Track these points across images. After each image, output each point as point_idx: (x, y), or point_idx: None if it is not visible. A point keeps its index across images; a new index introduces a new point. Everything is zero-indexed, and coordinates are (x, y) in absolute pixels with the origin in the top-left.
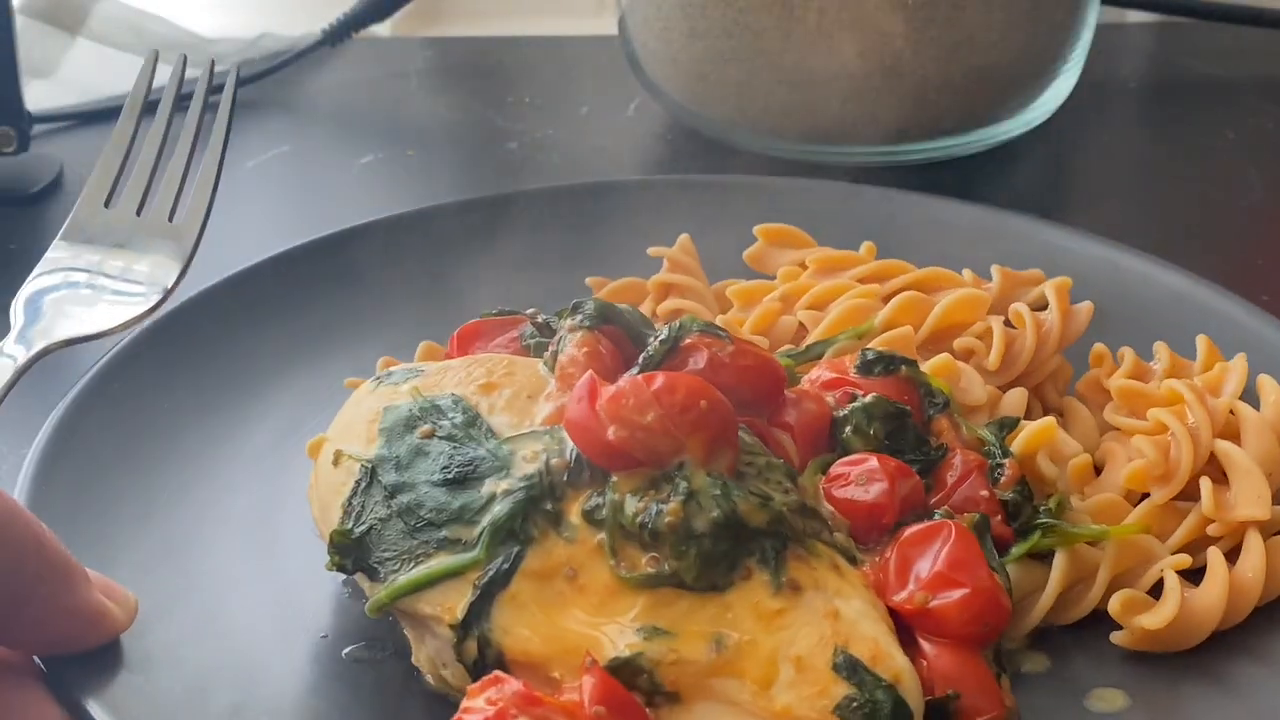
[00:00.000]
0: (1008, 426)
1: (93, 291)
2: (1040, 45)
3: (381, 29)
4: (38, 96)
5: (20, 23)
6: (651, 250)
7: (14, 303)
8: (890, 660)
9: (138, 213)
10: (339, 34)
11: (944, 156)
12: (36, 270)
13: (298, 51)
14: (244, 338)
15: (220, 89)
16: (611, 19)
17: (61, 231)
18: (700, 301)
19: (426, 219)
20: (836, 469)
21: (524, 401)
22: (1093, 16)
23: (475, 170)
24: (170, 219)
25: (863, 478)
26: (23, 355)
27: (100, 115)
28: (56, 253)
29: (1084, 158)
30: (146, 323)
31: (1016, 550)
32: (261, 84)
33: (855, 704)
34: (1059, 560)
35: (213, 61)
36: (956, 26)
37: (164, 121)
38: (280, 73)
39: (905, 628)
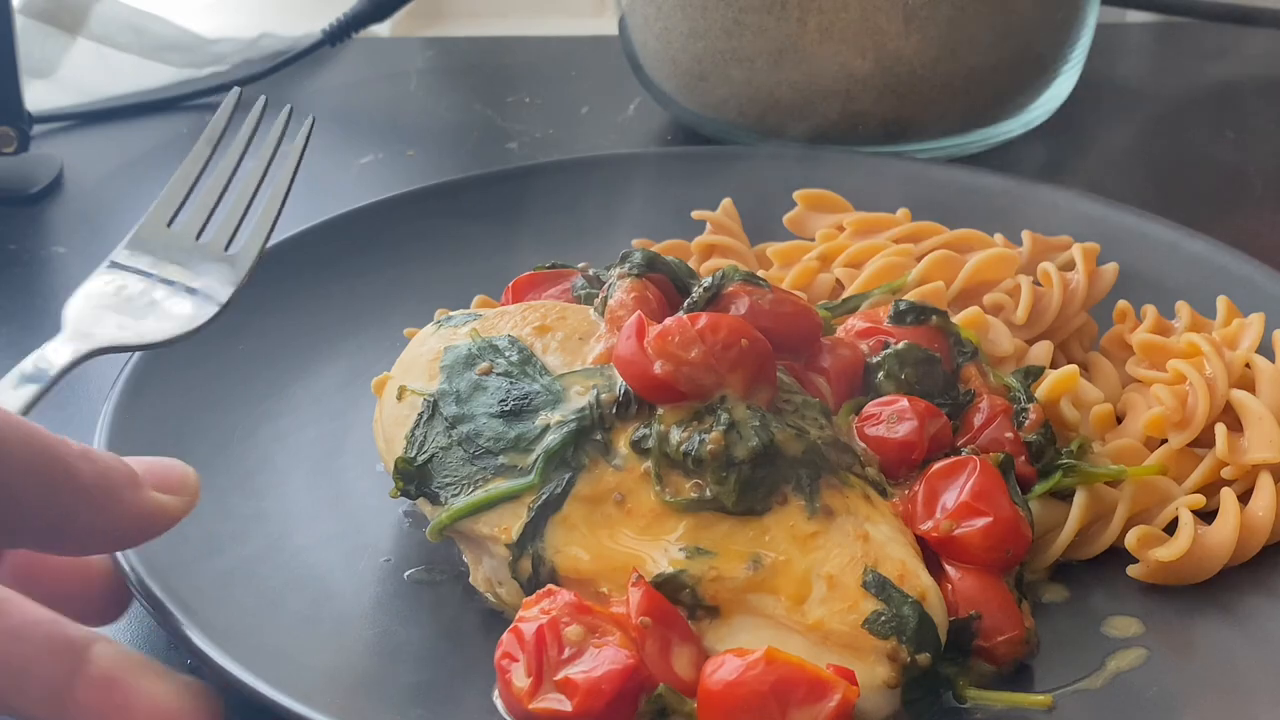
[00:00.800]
0: (1033, 375)
1: (145, 305)
2: (1040, 45)
3: (381, 29)
4: (38, 96)
5: (20, 23)
6: (695, 213)
7: (65, 307)
8: (916, 579)
9: (197, 237)
10: (339, 34)
11: (944, 156)
12: (92, 277)
13: (298, 51)
14: (312, 290)
15: (223, 89)
16: (611, 19)
17: (124, 241)
18: (741, 261)
19: (483, 183)
20: (869, 409)
21: (575, 343)
22: (1093, 16)
23: (475, 170)
24: (226, 248)
25: (893, 417)
26: (64, 359)
27: (100, 115)
28: (115, 259)
29: (1084, 158)
30: None
31: (1039, 488)
32: (261, 84)
33: (883, 618)
34: (1079, 498)
35: (290, 108)
36: (956, 26)
37: (238, 153)
38: (280, 73)
39: (932, 555)
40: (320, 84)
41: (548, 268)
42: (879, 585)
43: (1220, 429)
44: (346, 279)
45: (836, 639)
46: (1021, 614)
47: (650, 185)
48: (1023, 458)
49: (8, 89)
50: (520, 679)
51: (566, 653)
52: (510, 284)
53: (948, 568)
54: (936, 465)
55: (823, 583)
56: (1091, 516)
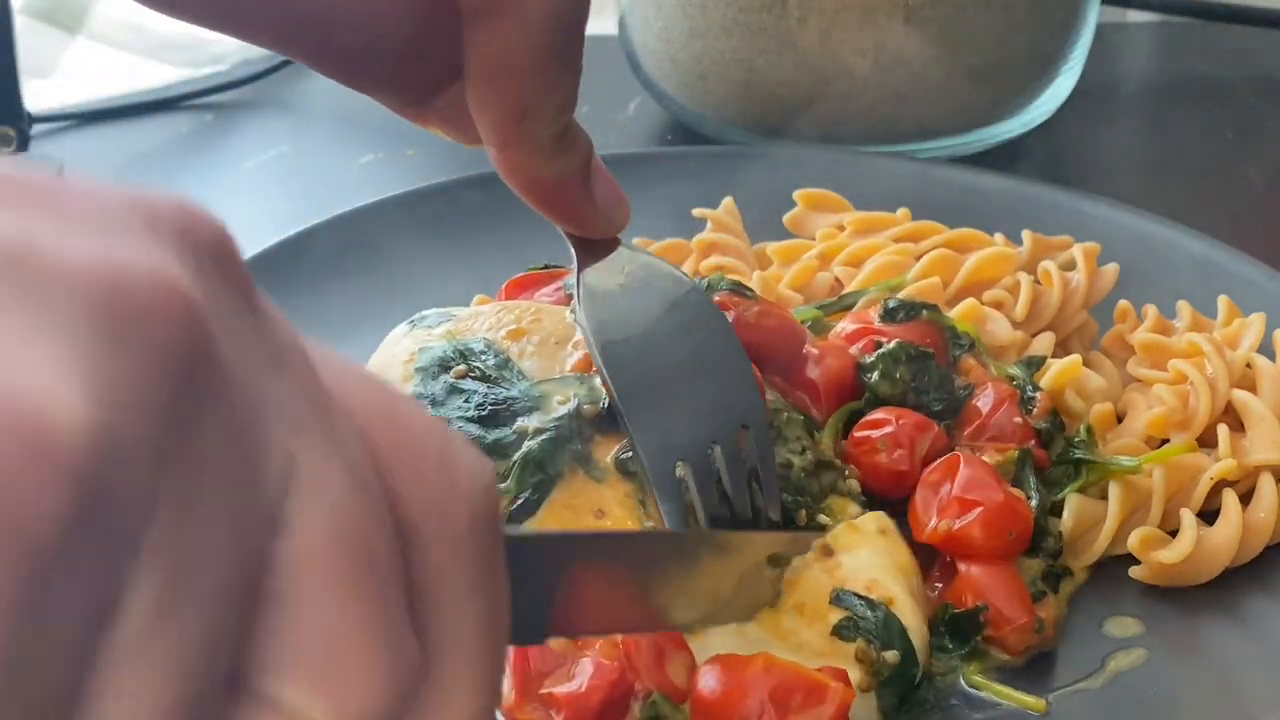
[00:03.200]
0: (1035, 365)
1: None
2: (1040, 45)
3: None
4: (38, 96)
5: (20, 23)
6: (696, 211)
7: None
8: (885, 589)
9: None
10: None
11: (944, 156)
12: None
13: None
14: (312, 290)
15: (223, 89)
16: (611, 19)
17: None
18: (741, 259)
19: (483, 183)
20: (857, 434)
21: (552, 347)
22: (1093, 16)
23: (475, 170)
24: None
25: (884, 444)
26: None
27: (100, 115)
28: None
29: (1084, 158)
30: None
31: (1070, 487)
32: (261, 84)
33: (849, 623)
34: (1114, 490)
35: None
36: (956, 26)
37: None
38: (280, 73)
39: (943, 556)
40: (320, 84)
41: (541, 268)
42: (846, 598)
43: (1222, 429)
44: (346, 279)
45: (810, 650)
46: (1039, 605)
47: (650, 185)
48: (1033, 443)
49: (8, 89)
50: (504, 691)
51: (550, 663)
52: (505, 284)
53: (958, 565)
54: (925, 471)
55: (794, 612)
56: (1131, 507)
